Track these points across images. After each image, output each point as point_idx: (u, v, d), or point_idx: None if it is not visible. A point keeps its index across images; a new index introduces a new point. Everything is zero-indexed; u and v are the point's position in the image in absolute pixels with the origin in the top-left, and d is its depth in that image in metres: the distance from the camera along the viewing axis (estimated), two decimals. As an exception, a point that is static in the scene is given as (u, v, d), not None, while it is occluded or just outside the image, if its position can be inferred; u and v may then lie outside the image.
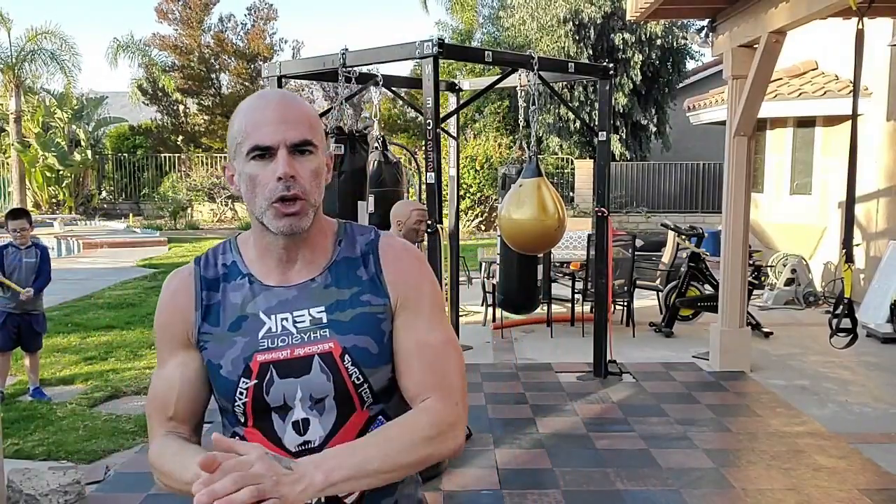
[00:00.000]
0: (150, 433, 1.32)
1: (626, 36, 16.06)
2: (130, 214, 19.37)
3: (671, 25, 16.38)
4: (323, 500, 1.20)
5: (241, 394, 1.23)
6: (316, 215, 1.25)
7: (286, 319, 1.24)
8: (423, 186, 4.82)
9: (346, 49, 4.83)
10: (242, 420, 1.25)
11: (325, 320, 1.24)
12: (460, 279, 7.34)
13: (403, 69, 20.88)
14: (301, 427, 1.23)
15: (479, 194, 16.80)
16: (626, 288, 7.23)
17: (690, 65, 18.61)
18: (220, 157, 20.26)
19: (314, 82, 19.21)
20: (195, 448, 1.26)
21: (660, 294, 7.95)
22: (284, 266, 1.27)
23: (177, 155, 20.55)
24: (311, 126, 1.22)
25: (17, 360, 6.18)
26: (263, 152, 1.19)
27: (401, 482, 1.30)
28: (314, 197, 1.22)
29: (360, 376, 1.23)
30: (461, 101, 6.87)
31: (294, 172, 1.19)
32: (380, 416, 1.27)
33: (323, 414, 1.23)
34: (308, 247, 1.27)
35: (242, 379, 1.22)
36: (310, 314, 1.24)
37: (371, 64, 5.18)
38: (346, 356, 1.23)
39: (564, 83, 15.31)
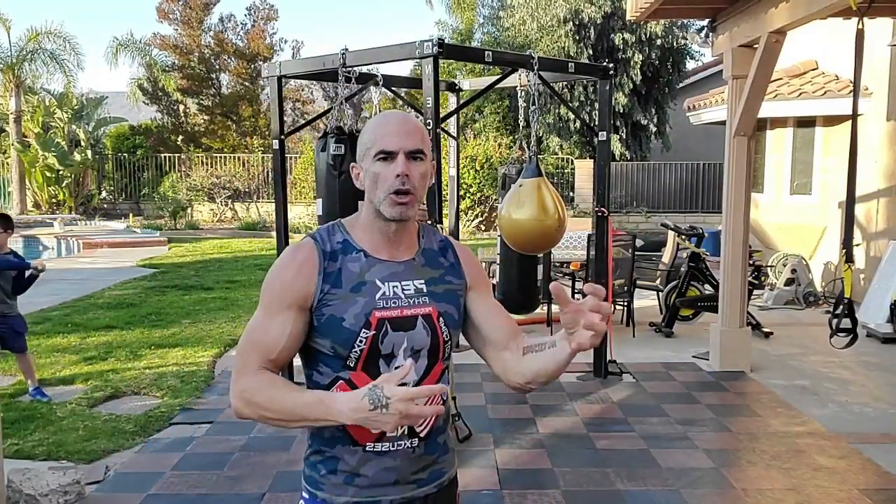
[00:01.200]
0: (244, 367, 1.54)
1: (627, 36, 16.06)
2: (130, 214, 19.37)
3: (671, 25, 16.39)
4: (406, 430, 1.56)
5: (361, 341, 1.52)
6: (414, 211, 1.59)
7: (396, 287, 1.58)
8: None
9: (346, 49, 4.83)
10: (352, 365, 1.54)
11: (425, 290, 1.60)
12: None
13: (403, 69, 20.87)
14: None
15: (479, 194, 16.80)
16: (626, 288, 7.22)
17: (690, 65, 18.64)
18: (220, 157, 20.26)
19: (314, 82, 19.21)
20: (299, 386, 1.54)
21: (660, 294, 7.95)
22: (392, 246, 1.61)
23: (177, 155, 20.55)
24: (423, 139, 1.58)
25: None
26: (387, 156, 1.54)
27: (447, 427, 1.72)
28: (420, 193, 1.57)
29: (448, 334, 1.61)
30: (461, 101, 6.86)
31: (409, 172, 1.53)
32: (446, 369, 1.66)
33: (418, 362, 1.57)
34: (407, 234, 1.63)
35: (363, 330, 1.52)
36: (414, 284, 1.60)
37: (371, 64, 5.18)
38: (441, 318, 1.60)
39: (564, 83, 15.31)
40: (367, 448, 1.55)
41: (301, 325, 1.56)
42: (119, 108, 23.20)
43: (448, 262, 1.69)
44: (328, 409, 1.42)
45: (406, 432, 1.57)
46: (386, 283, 1.57)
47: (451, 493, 1.71)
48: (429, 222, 4.17)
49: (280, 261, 1.60)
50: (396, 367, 1.52)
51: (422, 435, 1.59)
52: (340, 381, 1.55)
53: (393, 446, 1.56)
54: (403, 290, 1.59)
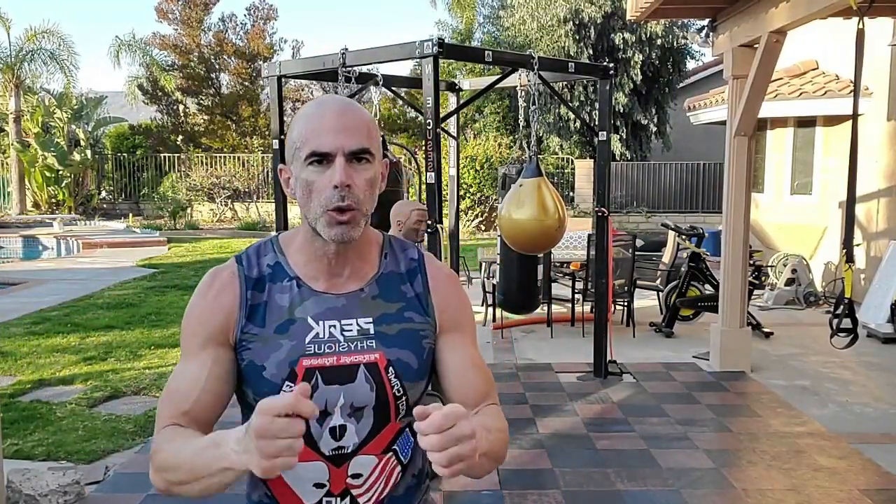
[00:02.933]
0: (158, 425, 1.26)
1: (627, 36, 16.05)
2: (130, 214, 19.37)
3: (671, 25, 16.38)
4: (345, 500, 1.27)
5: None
6: (365, 225, 1.27)
7: (334, 327, 1.26)
8: (423, 186, 4.81)
9: (346, 49, 4.83)
10: None
11: (372, 331, 1.27)
12: (460, 279, 7.32)
13: (403, 69, 20.87)
14: (337, 433, 1.25)
15: (479, 194, 16.80)
16: (626, 288, 7.22)
17: (691, 65, 18.63)
18: (220, 157, 20.25)
19: (314, 82, 19.20)
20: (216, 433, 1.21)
21: (660, 294, 7.94)
22: (333, 273, 1.29)
23: (176, 155, 20.54)
24: (369, 134, 1.24)
25: (15, 360, 6.18)
26: (321, 158, 1.21)
27: (425, 490, 1.40)
28: (367, 206, 1.24)
29: (400, 388, 1.27)
30: (461, 101, 6.86)
31: (350, 181, 1.20)
32: (406, 429, 1.32)
33: (360, 422, 1.26)
34: (357, 256, 1.30)
35: (287, 382, 1.23)
36: (357, 324, 1.27)
37: (371, 64, 5.18)
38: (391, 368, 1.26)
39: (564, 83, 15.30)
40: None
41: (224, 366, 1.26)
42: (118, 108, 23.19)
43: (412, 293, 1.33)
44: (220, 450, 1.08)
45: (344, 501, 1.26)
46: (321, 323, 1.26)
47: None
48: (429, 222, 4.17)
49: (196, 292, 1.31)
50: (331, 429, 1.24)
51: None
52: None
53: None
54: (343, 330, 1.26)
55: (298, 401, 0.99)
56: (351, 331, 1.26)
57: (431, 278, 1.35)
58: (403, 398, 1.28)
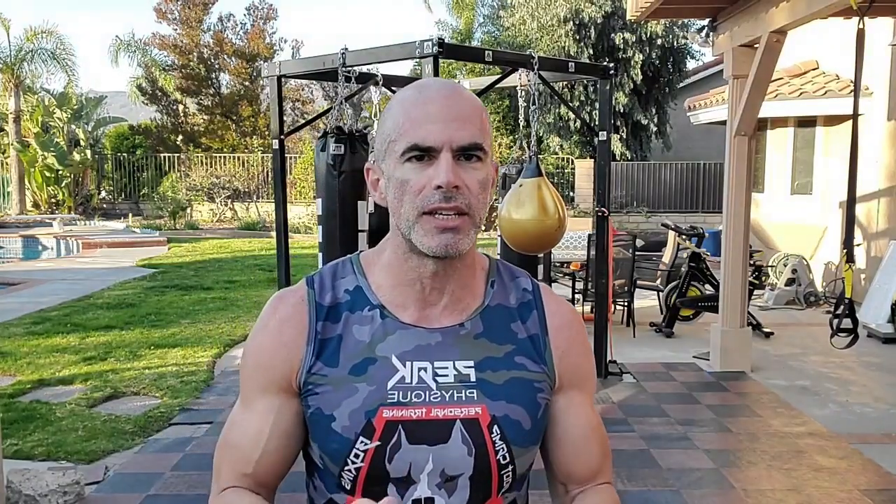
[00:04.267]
0: (216, 481, 1.08)
1: (627, 35, 16.06)
2: (130, 214, 19.37)
3: (672, 25, 16.38)
4: None
5: (357, 457, 0.99)
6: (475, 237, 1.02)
7: (424, 370, 1.01)
8: (423, 186, 4.80)
9: (346, 49, 4.82)
10: (347, 487, 1.01)
11: (473, 378, 1.01)
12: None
13: (403, 69, 20.88)
14: None
15: (478, 194, 16.78)
16: (626, 288, 7.22)
17: (691, 64, 18.63)
18: (220, 157, 20.25)
19: (314, 82, 19.20)
20: None
21: (660, 294, 7.94)
22: (426, 300, 1.04)
23: (176, 155, 20.54)
24: (483, 127, 0.99)
25: (15, 360, 6.18)
26: (423, 154, 0.97)
27: None
28: (480, 214, 0.99)
29: (506, 454, 1.02)
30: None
31: (459, 182, 0.96)
32: None
33: (452, 495, 1.00)
34: (458, 280, 1.04)
35: (361, 438, 0.98)
36: (455, 368, 1.01)
37: (371, 63, 5.17)
38: (496, 427, 1.01)
39: (565, 83, 15.30)
40: None
41: (290, 416, 1.04)
42: (118, 108, 23.21)
43: (525, 334, 1.07)
44: None
45: None
46: (408, 364, 1.01)
47: None
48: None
49: (258, 321, 1.09)
50: (415, 500, 1.00)
51: None
52: None
53: None
54: (437, 375, 1.01)
55: None
56: (446, 376, 1.01)
57: (550, 316, 1.09)
58: (510, 468, 1.03)
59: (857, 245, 8.42)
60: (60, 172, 19.25)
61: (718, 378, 5.74)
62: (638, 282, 7.63)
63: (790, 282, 8.66)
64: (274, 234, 8.43)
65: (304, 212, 17.51)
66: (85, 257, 13.11)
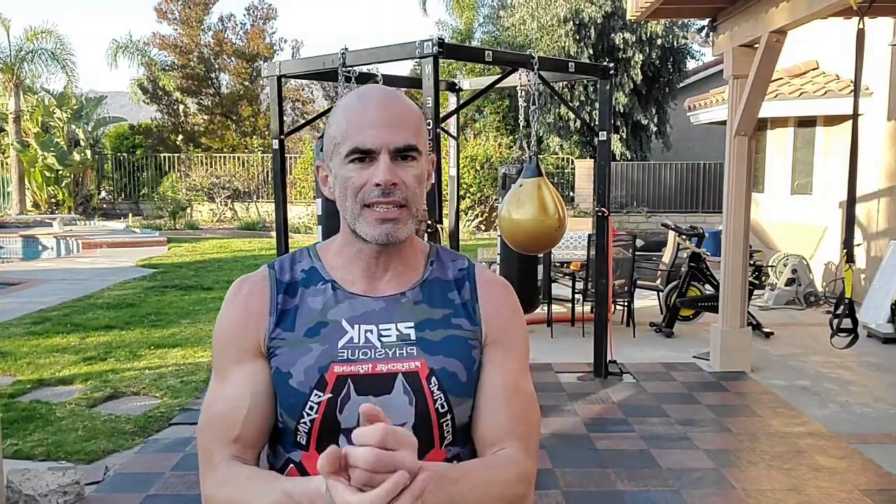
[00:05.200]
0: (207, 461, 1.15)
1: (627, 35, 16.05)
2: (130, 214, 19.37)
3: (672, 25, 16.38)
4: None
5: (311, 408, 1.10)
6: (413, 226, 1.17)
7: (370, 331, 1.14)
8: (423, 186, 4.80)
9: (346, 49, 4.82)
10: (304, 442, 1.13)
11: (413, 337, 1.14)
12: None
13: (403, 69, 20.87)
14: None
15: (479, 194, 16.79)
16: (626, 288, 7.22)
17: (691, 64, 18.62)
18: (220, 157, 20.25)
19: (314, 82, 19.19)
20: (270, 472, 1.14)
21: (660, 294, 7.94)
22: (373, 276, 1.18)
23: (176, 155, 20.55)
24: (417, 129, 1.14)
25: (15, 360, 6.18)
26: (364, 155, 1.11)
27: None
28: (416, 205, 1.14)
29: (444, 404, 1.12)
30: (461, 101, 6.86)
31: (396, 179, 1.10)
32: (455, 461, 1.15)
33: None
34: (400, 259, 1.19)
35: (315, 391, 1.10)
36: (397, 329, 1.15)
37: (371, 64, 5.17)
38: (433, 378, 1.12)
39: (565, 83, 15.30)
40: None
41: (265, 379, 1.14)
42: (118, 108, 23.22)
43: (459, 300, 1.20)
44: None
45: None
46: (356, 327, 1.14)
47: None
48: (429, 222, 4.16)
49: (224, 302, 1.21)
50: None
51: None
52: (291, 466, 1.15)
53: None
54: (381, 335, 1.13)
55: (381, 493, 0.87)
56: (389, 336, 1.14)
57: (481, 286, 1.22)
58: (448, 417, 1.13)
59: (857, 245, 8.42)
60: (60, 172, 19.25)
61: (718, 378, 5.74)
62: (638, 282, 7.63)
63: (790, 282, 8.66)
64: (274, 234, 8.42)
65: (304, 212, 17.51)
66: (85, 257, 13.11)
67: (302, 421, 1.11)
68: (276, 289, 1.18)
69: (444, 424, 1.13)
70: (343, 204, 1.15)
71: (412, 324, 1.15)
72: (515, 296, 1.27)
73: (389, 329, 1.14)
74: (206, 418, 1.17)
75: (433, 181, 1.23)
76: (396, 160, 1.11)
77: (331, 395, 1.10)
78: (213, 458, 1.14)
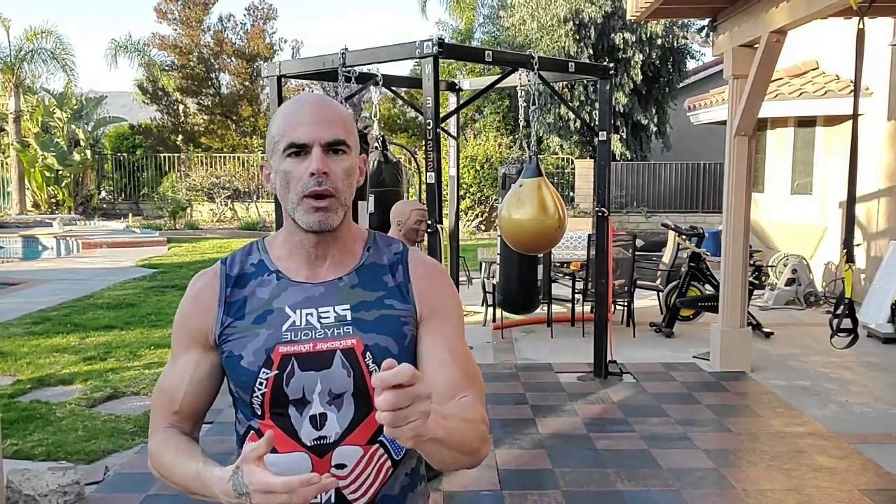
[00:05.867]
0: (153, 425, 1.37)
1: (627, 35, 16.05)
2: (130, 214, 19.37)
3: (671, 25, 16.37)
4: (332, 498, 1.26)
5: (261, 384, 1.25)
6: (346, 216, 1.30)
7: (311, 315, 1.28)
8: (423, 186, 4.81)
9: (346, 49, 4.83)
10: (259, 413, 1.28)
11: (349, 318, 1.28)
12: (460, 279, 7.32)
13: (403, 69, 20.87)
14: (318, 422, 1.25)
15: (479, 194, 16.79)
16: (626, 288, 7.22)
17: (691, 64, 18.61)
18: (220, 157, 20.25)
19: (314, 82, 19.19)
20: (196, 448, 1.32)
21: (660, 294, 7.94)
22: (313, 263, 1.32)
23: (176, 155, 20.54)
24: (345, 127, 1.28)
25: (16, 360, 6.18)
26: (299, 150, 1.24)
27: (419, 497, 1.36)
28: (345, 196, 1.27)
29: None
30: (461, 101, 6.86)
31: (327, 169, 1.24)
32: None
33: (340, 410, 1.26)
34: (337, 247, 1.32)
35: (263, 369, 1.25)
36: (335, 311, 1.28)
37: (371, 64, 5.18)
38: (368, 353, 1.26)
39: (565, 83, 15.29)
40: None
41: (206, 367, 1.32)
42: (118, 108, 23.19)
43: (393, 283, 1.33)
44: (206, 487, 1.19)
45: (333, 501, 1.26)
46: (298, 311, 1.28)
47: None
48: (429, 222, 4.16)
49: (185, 292, 1.38)
50: (311, 417, 1.25)
51: None
52: (252, 432, 1.31)
53: None
54: (320, 318, 1.27)
55: (292, 484, 1.06)
56: (328, 318, 1.28)
57: (413, 267, 1.35)
58: None
59: (857, 245, 8.42)
60: (60, 172, 19.25)
61: (718, 378, 5.74)
62: (638, 282, 7.63)
63: (790, 282, 8.66)
64: (273, 234, 8.43)
65: (304, 212, 17.49)
66: (85, 257, 13.11)
67: (255, 395, 1.26)
68: (224, 283, 1.32)
69: None
70: (284, 196, 1.27)
71: (348, 306, 1.29)
72: (447, 275, 1.42)
73: (328, 311, 1.28)
74: (157, 388, 1.37)
75: (362, 180, 1.35)
76: (328, 153, 1.25)
77: (277, 371, 1.25)
78: (156, 423, 1.35)
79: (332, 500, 1.26)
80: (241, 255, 1.37)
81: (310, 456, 1.25)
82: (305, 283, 1.30)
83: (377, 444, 1.28)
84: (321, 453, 1.25)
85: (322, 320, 1.27)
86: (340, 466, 1.26)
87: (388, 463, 1.30)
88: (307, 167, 1.24)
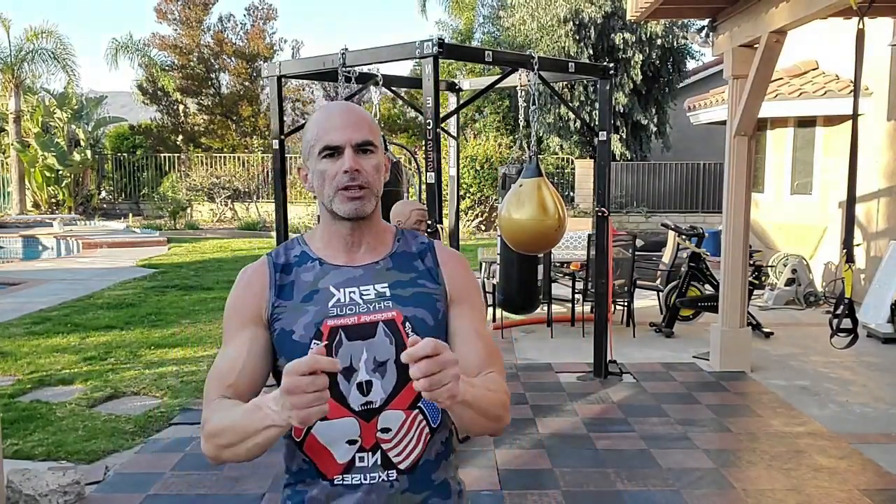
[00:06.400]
0: (206, 402, 1.41)
1: (627, 36, 16.05)
2: (130, 214, 19.37)
3: (671, 25, 16.37)
4: (379, 461, 1.38)
5: None
6: (377, 206, 1.47)
7: (353, 293, 1.43)
8: (423, 186, 4.81)
9: (346, 49, 4.83)
10: None
11: (388, 294, 1.43)
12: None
13: (403, 69, 20.87)
14: (364, 388, 1.38)
15: (479, 194, 16.80)
16: (626, 288, 7.22)
17: (691, 65, 18.62)
18: (220, 157, 20.25)
19: (314, 82, 19.20)
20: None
21: (660, 294, 7.94)
22: (350, 249, 1.47)
23: (176, 155, 20.54)
24: (371, 129, 1.44)
25: (16, 360, 6.18)
26: (333, 151, 1.41)
27: (450, 467, 1.50)
28: (376, 187, 1.44)
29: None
30: (461, 101, 6.86)
31: (358, 167, 1.40)
32: None
33: (384, 377, 1.38)
34: (371, 234, 1.48)
35: (314, 341, 1.38)
36: (374, 289, 1.44)
37: (371, 64, 5.18)
38: (407, 323, 1.41)
39: (564, 83, 15.30)
40: (335, 482, 1.39)
41: (262, 342, 1.43)
42: (119, 108, 23.21)
43: (423, 267, 1.50)
44: (261, 412, 1.23)
45: (380, 463, 1.39)
46: (341, 290, 1.43)
47: None
48: (429, 222, 4.17)
49: (234, 286, 1.51)
50: (358, 384, 1.37)
51: (402, 467, 1.40)
52: None
53: (365, 479, 1.38)
54: (362, 294, 1.42)
55: (317, 359, 1.15)
56: (369, 294, 1.43)
57: (440, 254, 1.52)
58: None
59: (857, 245, 8.42)
60: (60, 172, 19.25)
61: (718, 378, 5.74)
62: (638, 282, 7.63)
63: (790, 282, 8.66)
64: (274, 234, 8.43)
65: (305, 212, 17.52)
66: (85, 257, 13.11)
67: None
68: (273, 269, 1.47)
69: None
70: (322, 192, 1.43)
71: (386, 284, 1.45)
72: (468, 263, 1.58)
73: (368, 289, 1.43)
74: (210, 373, 1.44)
75: (388, 175, 1.51)
76: (358, 153, 1.41)
77: (326, 342, 1.38)
78: (210, 397, 1.40)
79: (380, 462, 1.38)
80: (284, 250, 1.51)
81: (357, 420, 1.37)
82: (345, 266, 1.45)
83: (416, 410, 1.40)
84: (368, 417, 1.37)
85: (363, 296, 1.42)
86: (385, 430, 1.38)
87: (427, 429, 1.42)
88: (341, 165, 1.40)
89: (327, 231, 1.48)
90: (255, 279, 1.47)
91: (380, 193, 1.45)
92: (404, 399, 1.39)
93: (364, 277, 1.45)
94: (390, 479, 1.39)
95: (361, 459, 1.37)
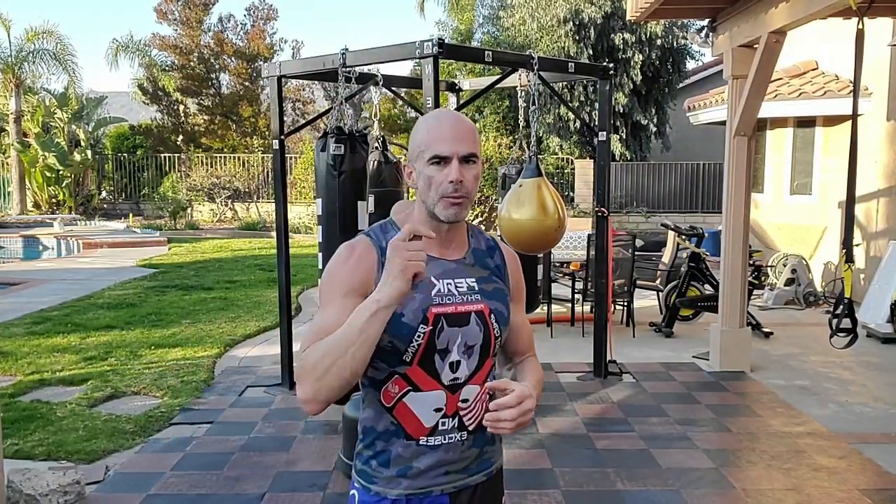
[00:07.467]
0: (302, 355, 1.53)
1: (627, 36, 16.05)
2: (130, 214, 19.36)
3: (671, 25, 16.37)
4: (456, 424, 1.63)
5: (419, 336, 1.57)
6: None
7: (450, 284, 1.62)
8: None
9: (346, 49, 4.83)
10: (408, 360, 1.58)
11: (477, 288, 1.65)
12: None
13: (403, 69, 20.87)
14: (454, 367, 1.61)
15: (478, 194, 16.79)
16: (626, 288, 7.22)
17: (690, 65, 18.61)
18: (220, 157, 20.25)
19: (314, 82, 19.20)
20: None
21: (660, 294, 7.95)
22: (443, 245, 1.65)
23: (177, 155, 20.54)
24: (475, 141, 1.61)
25: (16, 359, 6.18)
26: (440, 160, 1.56)
27: (500, 440, 1.77)
28: (473, 195, 1.61)
29: (499, 331, 1.66)
30: (461, 101, 6.87)
31: (462, 178, 1.56)
32: (493, 366, 1.71)
33: (470, 358, 1.62)
34: (458, 234, 1.68)
35: (421, 325, 1.56)
36: (466, 282, 1.64)
37: (371, 64, 5.18)
38: (492, 314, 1.65)
39: (564, 83, 15.29)
40: (420, 442, 1.61)
41: None
42: (119, 108, 23.21)
43: (494, 264, 1.73)
44: (365, 305, 1.44)
45: (456, 426, 1.63)
46: (440, 281, 1.62)
47: (498, 481, 1.78)
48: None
49: (336, 258, 1.63)
50: (450, 363, 1.61)
51: (470, 429, 1.65)
52: (396, 376, 1.61)
53: (445, 439, 1.62)
54: (457, 287, 1.63)
55: (415, 226, 1.43)
56: (462, 287, 1.63)
57: (505, 253, 1.77)
58: (499, 339, 1.68)
59: (857, 245, 8.43)
60: (61, 172, 19.24)
61: (718, 378, 5.75)
62: (638, 282, 7.63)
63: (790, 282, 8.67)
64: (274, 234, 8.43)
65: (304, 212, 17.51)
66: (85, 257, 13.11)
67: (411, 345, 1.57)
68: (379, 252, 1.60)
69: (497, 342, 1.68)
70: (426, 194, 1.59)
71: (474, 279, 1.66)
72: (519, 261, 1.81)
73: (462, 282, 1.64)
74: (309, 333, 1.56)
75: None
76: (462, 164, 1.57)
77: (431, 327, 1.58)
78: (305, 347, 1.53)
79: (456, 426, 1.62)
80: (380, 231, 1.66)
81: (445, 392, 1.60)
82: (442, 259, 1.64)
83: (486, 384, 1.66)
84: (453, 391, 1.61)
85: (458, 288, 1.63)
86: (465, 401, 1.62)
87: (488, 397, 1.64)
88: (447, 175, 1.55)
89: (424, 223, 1.62)
90: (365, 255, 1.60)
91: (473, 198, 1.63)
92: (482, 376, 1.65)
93: (457, 271, 1.65)
94: (462, 439, 1.64)
95: (444, 424, 1.60)
